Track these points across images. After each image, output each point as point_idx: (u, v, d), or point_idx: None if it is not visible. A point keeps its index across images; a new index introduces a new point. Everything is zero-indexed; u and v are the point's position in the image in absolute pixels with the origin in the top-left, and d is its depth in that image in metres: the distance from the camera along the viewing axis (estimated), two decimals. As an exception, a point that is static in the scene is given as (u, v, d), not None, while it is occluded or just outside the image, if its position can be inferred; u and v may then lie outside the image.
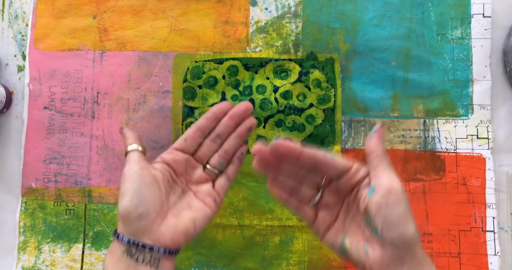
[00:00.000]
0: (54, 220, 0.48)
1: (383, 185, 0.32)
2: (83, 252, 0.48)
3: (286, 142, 0.33)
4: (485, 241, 0.46)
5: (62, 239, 0.48)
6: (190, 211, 0.37)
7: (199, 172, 0.39)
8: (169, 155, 0.39)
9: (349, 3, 0.49)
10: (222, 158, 0.40)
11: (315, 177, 0.36)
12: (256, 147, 0.34)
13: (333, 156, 0.34)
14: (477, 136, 0.48)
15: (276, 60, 0.49)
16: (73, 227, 0.48)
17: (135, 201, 0.34)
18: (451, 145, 0.48)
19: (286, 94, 0.48)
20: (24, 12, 0.50)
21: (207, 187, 0.39)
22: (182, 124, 0.48)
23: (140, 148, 0.38)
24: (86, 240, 0.48)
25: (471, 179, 0.47)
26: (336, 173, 0.34)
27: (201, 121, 0.39)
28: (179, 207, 0.37)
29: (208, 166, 0.40)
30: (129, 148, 0.38)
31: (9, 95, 0.49)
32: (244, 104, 0.40)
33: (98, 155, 0.48)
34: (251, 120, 0.41)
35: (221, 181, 0.40)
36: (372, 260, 0.32)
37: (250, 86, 0.48)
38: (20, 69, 0.50)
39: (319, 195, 0.36)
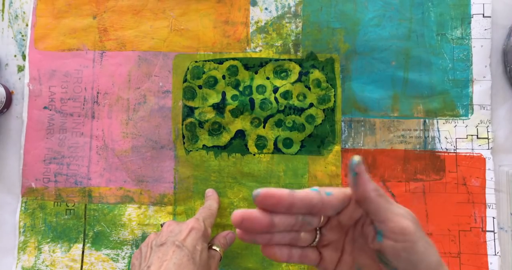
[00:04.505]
0: (54, 220, 0.48)
1: (393, 229, 0.27)
2: (83, 252, 0.48)
3: (270, 191, 0.28)
4: (485, 241, 0.46)
5: (62, 239, 0.48)
6: None
7: None
8: None
9: (349, 3, 0.49)
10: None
11: (313, 220, 0.30)
12: (236, 216, 0.28)
13: (328, 192, 0.29)
14: (477, 136, 0.48)
15: (276, 60, 0.49)
16: (73, 227, 0.48)
17: None
18: (451, 145, 0.48)
19: (286, 94, 0.48)
20: (24, 12, 0.50)
21: None
22: (182, 124, 0.48)
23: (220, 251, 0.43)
24: (86, 240, 0.48)
25: (471, 179, 0.47)
26: (335, 211, 0.30)
27: None
28: None
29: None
30: (215, 247, 0.43)
31: (9, 95, 0.49)
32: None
33: (98, 155, 0.48)
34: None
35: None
36: None
37: (250, 86, 0.48)
38: (20, 69, 0.50)
39: (318, 235, 0.31)
